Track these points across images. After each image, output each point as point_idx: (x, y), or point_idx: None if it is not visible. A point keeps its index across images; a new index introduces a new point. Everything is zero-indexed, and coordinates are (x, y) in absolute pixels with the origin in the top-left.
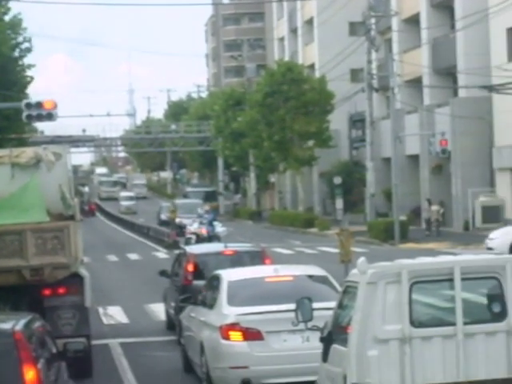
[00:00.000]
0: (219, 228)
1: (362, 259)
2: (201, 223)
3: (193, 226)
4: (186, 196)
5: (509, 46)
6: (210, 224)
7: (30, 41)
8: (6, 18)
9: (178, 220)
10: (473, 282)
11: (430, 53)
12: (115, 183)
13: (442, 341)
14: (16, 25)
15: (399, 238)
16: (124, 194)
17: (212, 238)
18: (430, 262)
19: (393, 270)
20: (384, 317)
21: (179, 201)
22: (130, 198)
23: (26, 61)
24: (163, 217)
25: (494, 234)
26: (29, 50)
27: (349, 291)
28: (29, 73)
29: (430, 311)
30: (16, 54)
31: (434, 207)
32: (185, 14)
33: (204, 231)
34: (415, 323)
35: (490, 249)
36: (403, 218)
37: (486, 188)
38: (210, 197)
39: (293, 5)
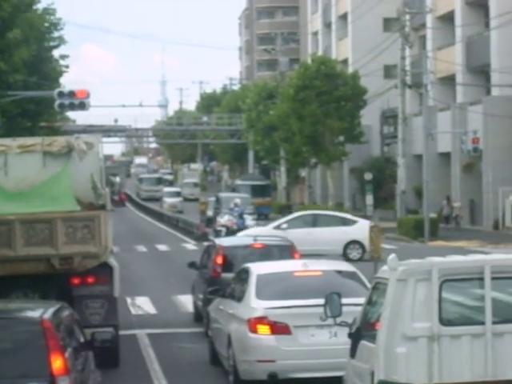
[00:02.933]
0: (249, 221)
1: (392, 256)
2: (231, 216)
3: (223, 219)
4: (234, 190)
5: None
6: (240, 217)
7: (62, 29)
8: (39, 6)
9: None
10: (503, 282)
11: (463, 51)
12: (159, 180)
13: (471, 339)
14: (49, 14)
15: (429, 235)
16: (168, 189)
17: (242, 231)
18: (461, 261)
19: (423, 267)
20: (413, 314)
21: (223, 194)
22: (176, 194)
23: (60, 51)
24: (209, 213)
25: None
26: (63, 40)
27: (378, 287)
28: (62, 63)
29: (459, 310)
30: (49, 43)
31: (456, 204)
32: (219, 6)
33: (233, 224)
34: (444, 321)
35: None
36: (433, 215)
37: None
38: (261, 191)
39: None
